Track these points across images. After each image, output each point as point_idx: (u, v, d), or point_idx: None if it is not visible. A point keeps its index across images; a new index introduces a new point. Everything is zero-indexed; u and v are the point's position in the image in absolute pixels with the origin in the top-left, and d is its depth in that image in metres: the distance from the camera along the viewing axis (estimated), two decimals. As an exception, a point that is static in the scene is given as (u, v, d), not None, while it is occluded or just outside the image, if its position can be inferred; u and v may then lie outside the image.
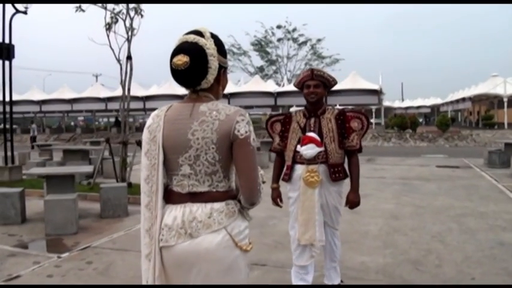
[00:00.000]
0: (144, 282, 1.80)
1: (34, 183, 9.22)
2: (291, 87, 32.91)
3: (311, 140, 3.32)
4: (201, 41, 1.73)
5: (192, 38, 1.74)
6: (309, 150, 3.30)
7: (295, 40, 47.60)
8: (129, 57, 9.73)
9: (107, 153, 10.70)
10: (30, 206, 7.04)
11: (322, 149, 3.31)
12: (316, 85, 3.36)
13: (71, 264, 4.60)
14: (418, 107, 58.59)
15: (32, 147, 23.56)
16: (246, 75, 42.69)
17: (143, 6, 10.15)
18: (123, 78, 9.80)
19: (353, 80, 31.40)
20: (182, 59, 1.69)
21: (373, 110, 46.17)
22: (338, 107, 33.74)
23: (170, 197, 1.78)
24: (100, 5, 9.55)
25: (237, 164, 1.74)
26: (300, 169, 3.36)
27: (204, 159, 1.71)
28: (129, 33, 9.67)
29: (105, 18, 9.62)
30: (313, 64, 48.81)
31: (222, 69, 1.81)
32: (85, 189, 8.97)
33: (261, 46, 48.84)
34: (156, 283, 1.74)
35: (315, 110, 3.42)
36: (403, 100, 65.19)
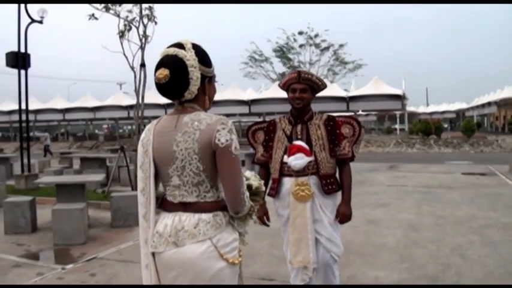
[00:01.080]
0: None
1: (50, 192, 9.16)
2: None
3: (299, 149, 2.95)
4: (180, 53, 1.75)
5: (172, 51, 1.76)
6: (297, 160, 2.93)
7: (317, 46, 47.21)
8: (142, 65, 9.69)
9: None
10: (42, 215, 6.99)
11: (312, 158, 2.96)
12: (303, 89, 3.01)
13: (74, 276, 4.49)
14: (443, 112, 57.37)
15: (45, 155, 24.02)
16: (267, 82, 42.48)
17: (157, 13, 10.14)
18: (137, 85, 9.79)
19: (375, 85, 30.96)
20: (163, 73, 1.72)
21: (398, 116, 45.52)
22: (352, 113, 33.23)
23: (165, 205, 1.83)
24: (113, 12, 9.56)
25: (220, 173, 1.74)
26: (288, 182, 3.01)
27: (189, 169, 1.74)
28: (143, 41, 9.65)
29: (118, 25, 9.64)
30: (336, 70, 48.43)
31: (207, 79, 1.82)
32: (99, 197, 8.92)
33: (282, 52, 48.59)
34: None
35: (302, 116, 3.08)
36: (427, 105, 64.03)
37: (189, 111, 1.79)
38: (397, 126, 47.48)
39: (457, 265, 4.50)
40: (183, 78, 1.73)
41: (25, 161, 10.40)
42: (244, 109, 33.38)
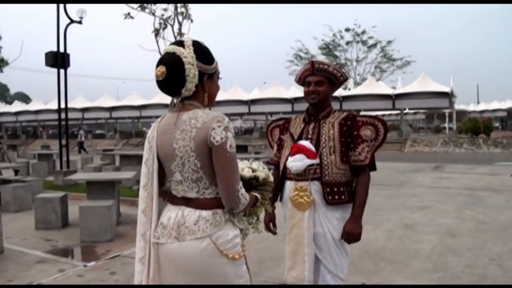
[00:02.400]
0: (136, 283, 1.87)
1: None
2: (358, 91, 32.02)
3: (300, 150, 2.59)
4: (178, 50, 1.79)
5: (171, 48, 1.81)
6: (295, 162, 2.57)
7: (364, 43, 46.41)
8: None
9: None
10: (75, 211, 7.05)
11: (314, 161, 2.55)
12: (318, 82, 2.62)
13: (94, 274, 4.45)
14: (494, 111, 54.61)
15: (80, 151, 24.86)
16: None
17: (193, 11, 10.13)
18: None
19: (422, 82, 29.91)
20: (160, 70, 1.77)
21: (446, 114, 43.85)
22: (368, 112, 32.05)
23: (170, 198, 1.90)
24: (148, 11, 9.62)
25: (216, 170, 1.76)
26: (288, 186, 2.69)
27: (188, 166, 1.78)
28: (177, 39, 9.65)
29: (153, 24, 9.69)
30: (383, 67, 47.26)
31: (206, 76, 1.83)
32: (134, 194, 8.98)
33: (329, 50, 48.11)
34: (150, 283, 1.83)
35: (317, 113, 2.69)
36: (478, 103, 61.27)
37: (188, 109, 1.82)
38: (446, 125, 45.72)
39: (494, 277, 4.12)
40: (179, 76, 1.76)
41: (69, 158, 10.60)
42: (287, 107, 33.12)
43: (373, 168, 2.63)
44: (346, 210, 2.59)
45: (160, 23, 9.74)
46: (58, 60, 10.36)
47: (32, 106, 44.16)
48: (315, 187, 2.58)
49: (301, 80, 2.74)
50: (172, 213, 1.83)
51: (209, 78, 1.85)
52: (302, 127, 2.74)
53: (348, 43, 47.00)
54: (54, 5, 10.12)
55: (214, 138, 1.71)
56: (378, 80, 38.98)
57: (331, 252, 2.58)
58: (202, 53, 1.83)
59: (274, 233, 2.83)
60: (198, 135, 1.73)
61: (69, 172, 10.43)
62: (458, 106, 42.72)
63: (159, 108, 38.14)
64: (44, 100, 43.82)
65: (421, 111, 48.98)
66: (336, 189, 2.55)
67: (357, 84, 39.77)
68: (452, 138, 28.58)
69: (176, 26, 9.81)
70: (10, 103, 51.50)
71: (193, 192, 1.80)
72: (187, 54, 1.78)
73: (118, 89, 70.34)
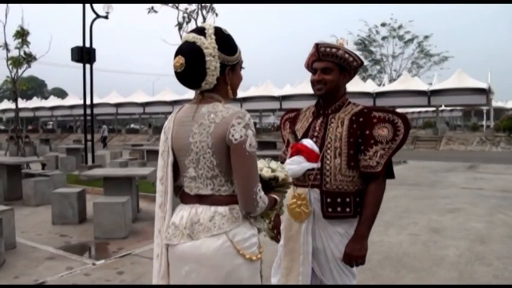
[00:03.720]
0: (153, 283, 1.80)
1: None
2: (392, 87, 31.16)
3: (299, 151, 2.23)
4: (199, 40, 1.64)
5: (191, 37, 1.66)
6: (292, 165, 2.20)
7: (400, 38, 45.26)
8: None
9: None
10: (94, 206, 7.04)
11: (315, 165, 2.18)
12: (325, 69, 2.22)
13: (101, 273, 4.33)
14: (535, 108, 52.34)
15: (104, 146, 25.38)
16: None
17: (218, 4, 9.93)
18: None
19: (458, 78, 28.86)
20: (179, 61, 1.65)
21: (484, 111, 42.33)
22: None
23: (182, 196, 1.79)
24: (171, 5, 9.47)
25: (233, 170, 1.64)
26: (288, 192, 2.22)
27: (203, 163, 1.67)
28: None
29: (177, 18, 9.54)
30: (420, 63, 45.97)
31: (228, 68, 1.70)
32: (155, 190, 8.90)
33: (364, 45, 47.13)
34: (160, 283, 1.76)
35: (327, 106, 2.30)
36: (518, 100, 58.78)
37: (208, 102, 1.69)
38: (484, 122, 44.13)
39: (527, 290, 3.76)
40: (199, 68, 1.63)
41: (97, 152, 10.64)
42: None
43: (391, 175, 2.22)
44: (352, 226, 2.19)
45: (183, 17, 9.58)
46: (84, 55, 10.39)
47: (67, 101, 45.22)
48: (315, 195, 2.20)
49: (310, 66, 2.34)
50: (185, 212, 1.72)
51: (231, 69, 1.72)
52: (310, 122, 2.34)
53: (383, 38, 45.95)
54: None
55: (233, 135, 1.59)
56: (414, 76, 37.85)
57: (332, 271, 2.22)
58: (225, 42, 1.69)
59: (278, 241, 2.43)
60: (216, 132, 1.62)
61: (93, 167, 10.46)
62: (496, 103, 41.15)
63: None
64: (80, 95, 44.80)
65: (458, 108, 47.43)
66: (339, 200, 2.16)
67: (392, 80, 38.73)
68: (489, 136, 27.44)
69: (200, 19, 9.62)
70: (47, 98, 52.91)
71: (208, 189, 1.69)
72: (209, 45, 1.64)
73: (153, 84, 71.20)
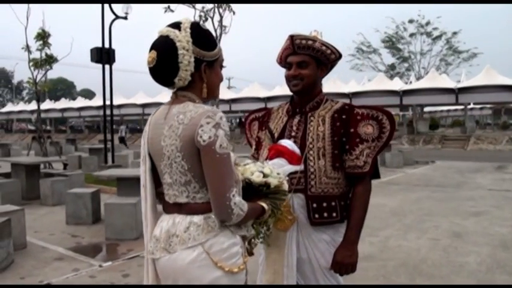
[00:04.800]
0: None
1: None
2: (419, 85, 30.47)
3: (279, 153, 2.02)
4: (172, 33, 1.54)
5: (165, 31, 1.57)
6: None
7: (428, 34, 44.15)
8: (218, 56, 9.47)
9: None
10: (109, 207, 7.02)
11: (297, 167, 1.99)
12: (301, 63, 2.05)
13: (106, 276, 4.26)
14: None
15: (125, 146, 26.02)
16: (374, 74, 40.28)
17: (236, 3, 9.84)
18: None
19: (487, 75, 27.94)
20: (151, 56, 1.56)
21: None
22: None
23: (164, 205, 1.68)
24: (188, 4, 9.44)
25: (204, 174, 1.51)
26: None
27: (175, 168, 1.56)
28: (217, 31, 9.40)
29: (194, 17, 9.49)
30: (448, 60, 44.85)
31: (204, 64, 1.58)
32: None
33: (392, 43, 46.22)
34: None
35: (303, 103, 2.12)
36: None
37: (180, 101, 1.58)
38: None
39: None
40: (171, 62, 1.53)
41: (117, 152, 10.71)
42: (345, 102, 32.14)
43: (376, 175, 2.08)
44: (337, 232, 2.04)
45: (200, 16, 9.53)
46: (103, 55, 10.44)
47: (95, 102, 46.01)
48: (298, 201, 2.01)
49: (283, 61, 2.16)
50: (164, 222, 1.61)
51: (209, 66, 1.60)
52: (285, 121, 2.16)
53: (411, 35, 44.89)
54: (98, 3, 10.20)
55: (201, 137, 1.46)
56: (442, 73, 36.94)
57: (319, 282, 2.04)
58: (200, 37, 1.58)
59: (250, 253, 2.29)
60: (185, 133, 1.50)
61: (112, 167, 10.50)
62: (529, 101, 39.74)
63: (221, 103, 38.47)
64: (107, 96, 45.53)
65: (488, 106, 46.10)
66: (325, 205, 1.99)
67: (418, 78, 37.87)
68: (522, 135, 26.51)
69: (217, 18, 9.56)
70: (75, 99, 53.99)
71: (183, 196, 1.58)
72: (182, 38, 1.53)
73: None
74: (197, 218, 1.54)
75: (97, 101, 45.50)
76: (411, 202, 8.00)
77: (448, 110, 51.43)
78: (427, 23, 43.06)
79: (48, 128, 46.28)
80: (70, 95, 68.42)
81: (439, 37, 43.73)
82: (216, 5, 9.63)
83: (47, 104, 46.68)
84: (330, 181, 2.00)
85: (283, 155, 2.01)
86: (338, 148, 2.02)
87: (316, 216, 1.99)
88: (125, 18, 10.98)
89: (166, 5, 9.46)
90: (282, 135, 2.11)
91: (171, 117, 1.56)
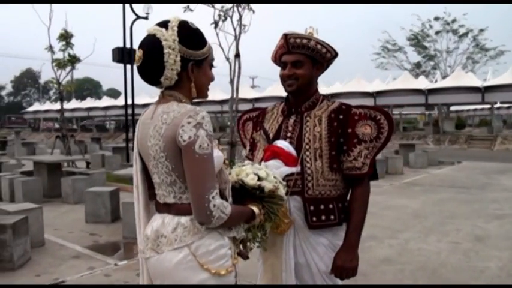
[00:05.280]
0: None
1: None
2: (444, 84, 29.82)
3: (275, 154, 1.98)
4: (159, 32, 1.54)
5: (153, 29, 1.56)
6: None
7: (454, 32, 43.22)
8: (237, 55, 9.45)
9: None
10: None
11: (294, 169, 1.94)
12: (296, 62, 2.00)
13: (121, 275, 4.28)
14: None
15: None
16: (400, 73, 39.59)
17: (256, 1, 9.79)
18: (232, 77, 9.58)
19: (513, 74, 27.14)
20: (138, 54, 1.56)
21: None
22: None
23: (156, 205, 1.68)
24: (207, 4, 9.43)
25: (185, 175, 1.49)
26: None
27: (161, 168, 1.55)
28: (237, 31, 9.37)
29: (213, 16, 9.50)
30: (475, 58, 43.84)
31: (191, 63, 1.57)
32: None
33: (417, 41, 45.41)
34: None
35: (298, 104, 2.07)
36: None
37: (167, 101, 1.58)
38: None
39: None
40: (157, 61, 1.52)
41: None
42: (369, 101, 31.68)
43: (375, 176, 2.03)
44: (336, 235, 1.98)
45: (219, 15, 9.51)
46: (124, 55, 10.54)
47: (120, 101, 46.66)
48: (295, 204, 1.95)
49: (277, 60, 2.11)
50: (155, 222, 1.62)
51: (197, 65, 1.59)
52: (280, 122, 2.11)
53: (437, 33, 44.00)
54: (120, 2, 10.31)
55: (182, 136, 1.45)
56: (469, 71, 36.09)
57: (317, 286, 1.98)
58: (188, 35, 1.57)
59: (244, 258, 2.07)
60: (167, 133, 1.49)
61: (131, 165, 10.59)
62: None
63: (241, 103, 38.46)
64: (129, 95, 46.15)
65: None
66: (322, 207, 1.93)
67: (445, 76, 37.04)
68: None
69: (236, 17, 9.52)
70: (101, 99, 54.87)
71: (171, 197, 1.57)
72: (169, 37, 1.52)
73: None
74: (184, 219, 1.53)
75: (122, 100, 46.21)
76: (433, 204, 7.82)
77: (475, 109, 50.24)
78: (453, 20, 42.17)
79: (74, 127, 47.16)
80: (96, 94, 69.60)
81: (465, 34, 42.78)
82: (235, 4, 9.59)
83: (73, 104, 47.58)
84: (327, 183, 1.95)
85: (279, 156, 1.97)
86: (335, 149, 1.97)
87: (314, 219, 1.93)
88: (146, 18, 11.08)
89: (185, 5, 9.46)
90: (277, 136, 2.06)
91: (156, 117, 1.56)
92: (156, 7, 11.12)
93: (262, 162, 1.96)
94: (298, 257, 1.98)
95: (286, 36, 2.00)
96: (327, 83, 36.26)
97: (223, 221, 1.47)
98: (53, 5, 10.65)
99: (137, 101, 41.30)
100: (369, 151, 1.96)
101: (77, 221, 6.56)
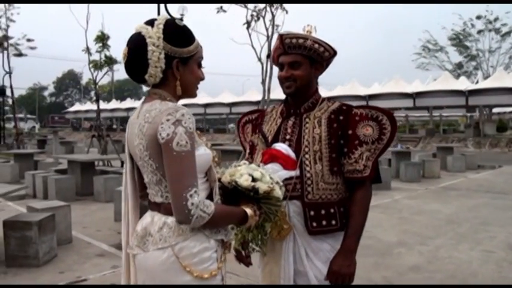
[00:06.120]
0: None
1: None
2: (485, 85, 28.75)
3: (273, 157, 1.91)
4: (145, 30, 1.54)
5: (139, 27, 1.56)
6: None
7: (497, 31, 41.70)
8: (269, 56, 9.40)
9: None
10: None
11: (293, 173, 1.87)
12: (293, 63, 1.93)
13: (142, 274, 4.30)
14: None
15: None
16: (441, 73, 38.43)
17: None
18: (264, 77, 9.55)
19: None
20: (123, 51, 1.57)
21: None
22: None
23: (148, 203, 1.67)
24: (240, 4, 9.44)
25: (165, 173, 1.48)
26: None
27: (147, 167, 1.55)
28: (269, 31, 9.33)
29: (246, 16, 9.50)
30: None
31: (176, 60, 1.55)
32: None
33: (459, 40, 44.12)
34: None
35: (297, 105, 2.00)
36: None
37: (152, 99, 1.57)
38: None
39: None
40: (141, 59, 1.51)
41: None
42: (408, 103, 30.97)
43: (378, 179, 1.93)
44: (338, 240, 1.89)
45: (252, 15, 9.50)
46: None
47: (157, 101, 47.50)
48: (294, 208, 1.88)
49: (276, 61, 2.03)
50: (145, 219, 1.61)
51: (182, 63, 1.57)
52: (279, 124, 2.04)
53: (479, 32, 42.56)
54: (155, 4, 10.42)
55: (160, 134, 1.44)
56: (511, 72, 34.64)
57: None
58: (174, 32, 1.55)
59: (247, 265, 2.07)
60: (149, 132, 1.48)
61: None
62: None
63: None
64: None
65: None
66: (323, 212, 1.86)
67: (488, 77, 35.71)
68: None
69: (269, 17, 9.48)
70: (141, 99, 56.03)
71: (159, 196, 1.56)
72: (153, 34, 1.52)
73: (243, 85, 72.30)
74: (170, 219, 1.51)
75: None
76: (468, 209, 7.51)
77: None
78: (496, 19, 40.66)
79: (114, 126, 48.36)
80: (136, 95, 71.17)
81: (508, 34, 41.17)
82: (267, 4, 9.55)
83: (113, 104, 48.83)
84: (328, 186, 1.88)
85: (277, 159, 1.90)
86: (336, 151, 1.89)
87: (314, 224, 1.86)
88: (181, 19, 11.13)
89: (219, 5, 9.51)
90: (276, 139, 2.00)
91: (141, 115, 1.55)
92: (190, 8, 11.21)
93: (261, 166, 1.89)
94: (297, 264, 1.91)
95: (281, 37, 1.94)
96: (367, 84, 35.64)
97: (204, 220, 1.43)
98: (91, 8, 10.93)
99: (198, 101, 42.02)
100: (370, 153, 1.88)
101: (106, 220, 6.67)
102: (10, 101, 24.86)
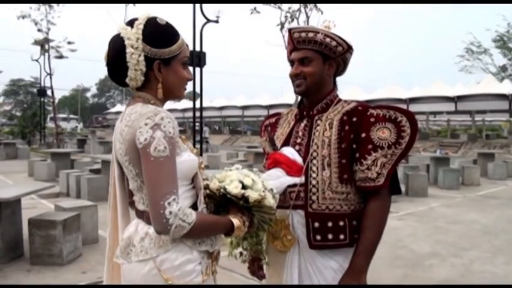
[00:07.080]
0: None
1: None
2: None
3: (277, 162, 1.75)
4: (124, 31, 1.47)
5: (119, 28, 1.50)
6: (269, 180, 1.63)
7: (544, 32, 39.90)
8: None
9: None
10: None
11: (297, 180, 1.70)
12: (304, 59, 1.76)
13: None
14: None
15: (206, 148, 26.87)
16: (479, 76, 37.10)
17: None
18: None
19: None
20: (104, 54, 1.52)
21: None
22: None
23: (136, 211, 1.60)
24: (273, 5, 9.37)
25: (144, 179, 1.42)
26: None
27: (128, 173, 1.50)
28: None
29: (280, 17, 9.43)
30: None
31: (157, 62, 1.47)
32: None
33: (503, 42, 42.51)
34: None
35: (310, 106, 1.83)
36: None
37: (135, 102, 1.50)
38: None
39: None
40: (120, 62, 1.45)
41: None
42: (450, 106, 30.04)
43: (397, 190, 1.73)
44: (348, 258, 1.69)
45: (286, 16, 9.42)
46: (194, 59, 10.73)
47: (180, 105, 48.00)
48: (299, 219, 1.71)
49: (288, 58, 1.88)
50: (130, 228, 1.55)
51: (165, 64, 1.49)
52: (291, 127, 1.87)
53: (524, 33, 40.81)
54: (190, 6, 10.50)
55: (138, 139, 1.38)
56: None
57: None
58: (154, 33, 1.47)
59: (260, 277, 1.94)
60: (128, 137, 1.43)
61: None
62: None
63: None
64: (209, 98, 47.36)
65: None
66: (330, 225, 1.66)
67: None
68: None
69: (303, 18, 9.38)
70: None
71: (141, 203, 1.51)
72: (132, 35, 1.44)
73: (282, 87, 71.99)
74: (152, 230, 1.42)
75: (182, 104, 47.57)
76: (507, 220, 7.13)
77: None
78: (542, 19, 38.83)
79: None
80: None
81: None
82: (302, 4, 9.46)
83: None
84: (336, 196, 1.68)
85: (280, 164, 1.74)
86: (346, 157, 1.69)
87: (318, 237, 1.67)
88: (216, 21, 11.20)
89: (253, 7, 9.47)
90: (287, 142, 1.83)
91: (123, 119, 1.49)
92: (225, 10, 11.24)
93: (265, 170, 1.79)
94: (304, 278, 1.73)
95: (290, 31, 1.79)
96: (407, 87, 34.79)
97: (184, 230, 1.34)
98: (128, 10, 11.11)
99: (214, 104, 42.50)
100: (387, 159, 1.65)
101: (134, 220, 6.72)
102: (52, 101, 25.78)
